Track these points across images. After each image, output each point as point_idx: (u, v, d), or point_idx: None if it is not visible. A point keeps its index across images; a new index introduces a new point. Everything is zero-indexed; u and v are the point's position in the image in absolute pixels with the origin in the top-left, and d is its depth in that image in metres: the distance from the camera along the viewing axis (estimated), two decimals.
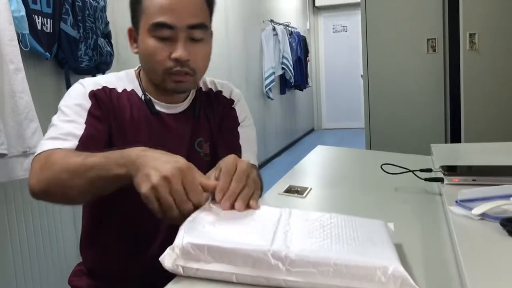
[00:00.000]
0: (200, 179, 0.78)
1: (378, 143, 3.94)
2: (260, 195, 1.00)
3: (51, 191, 0.90)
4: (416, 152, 1.56)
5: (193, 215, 0.76)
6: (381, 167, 1.18)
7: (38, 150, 0.95)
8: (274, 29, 6.18)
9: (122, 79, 1.12)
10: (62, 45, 2.35)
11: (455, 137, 3.73)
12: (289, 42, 6.62)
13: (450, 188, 1.04)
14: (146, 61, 1.06)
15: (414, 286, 0.60)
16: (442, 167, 1.12)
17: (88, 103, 1.03)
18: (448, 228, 0.87)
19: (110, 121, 1.05)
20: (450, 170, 1.10)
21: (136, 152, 0.81)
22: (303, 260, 0.64)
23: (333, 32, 8.70)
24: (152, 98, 1.10)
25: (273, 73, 6.06)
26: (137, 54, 1.09)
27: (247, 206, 0.79)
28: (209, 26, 1.07)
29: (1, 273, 2.19)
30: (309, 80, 7.73)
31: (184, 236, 0.69)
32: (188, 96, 1.15)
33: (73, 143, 0.96)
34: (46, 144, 0.95)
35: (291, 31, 6.96)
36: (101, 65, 2.57)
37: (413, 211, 1.01)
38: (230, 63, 4.93)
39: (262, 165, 5.75)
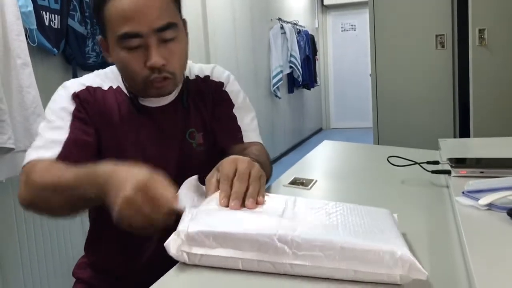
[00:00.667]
0: (161, 192, 0.75)
1: (386, 140, 3.92)
2: (268, 181, 1.00)
3: (36, 206, 0.94)
4: (425, 149, 1.54)
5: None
6: (387, 160, 1.17)
7: (24, 161, 0.96)
8: (282, 27, 6.17)
9: (107, 76, 1.10)
10: (70, 41, 2.36)
11: (464, 135, 3.70)
12: (297, 40, 6.60)
13: (457, 180, 1.03)
14: (122, 72, 1.04)
15: (422, 270, 0.60)
16: (450, 159, 1.11)
17: (71, 106, 1.02)
18: (454, 219, 0.86)
19: (97, 122, 1.04)
20: (458, 162, 1.09)
21: (102, 172, 0.79)
22: (309, 243, 0.63)
23: (342, 31, 8.67)
24: (137, 94, 1.08)
25: (281, 71, 6.05)
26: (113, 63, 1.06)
27: (256, 203, 0.77)
28: (179, 22, 1.02)
29: (9, 264, 2.20)
30: (317, 79, 7.70)
31: (189, 222, 0.68)
32: None
33: (56, 150, 0.95)
34: (30, 155, 0.96)
35: (299, 29, 6.94)
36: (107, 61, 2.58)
37: (419, 203, 1.00)
38: (238, 62, 4.93)
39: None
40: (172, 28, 0.98)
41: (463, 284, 0.63)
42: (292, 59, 6.39)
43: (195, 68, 1.18)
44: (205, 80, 1.16)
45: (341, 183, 1.24)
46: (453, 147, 1.50)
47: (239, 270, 0.66)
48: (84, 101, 1.03)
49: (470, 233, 0.72)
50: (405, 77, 3.88)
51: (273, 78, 5.92)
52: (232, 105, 1.16)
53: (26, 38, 2.08)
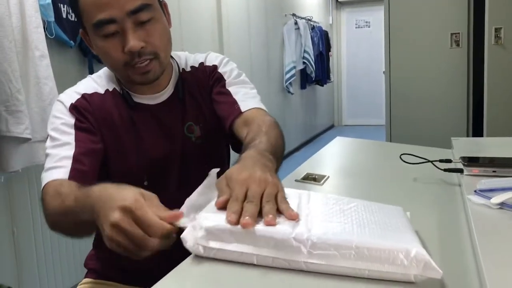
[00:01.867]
0: (151, 216, 0.69)
1: (398, 138, 3.90)
2: (277, 168, 0.96)
3: (59, 230, 0.94)
4: (437, 147, 1.54)
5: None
6: (400, 157, 1.17)
7: (42, 183, 0.96)
8: (296, 23, 6.15)
9: (102, 79, 1.09)
10: None
11: (477, 134, 3.67)
12: (311, 36, 6.58)
13: (470, 179, 1.03)
14: (105, 62, 1.03)
15: (437, 269, 0.60)
16: (462, 158, 1.11)
17: (71, 119, 1.01)
18: (466, 218, 0.86)
19: (99, 127, 1.03)
20: (470, 161, 1.09)
21: (92, 195, 0.77)
22: (324, 242, 0.63)
23: (356, 27, 8.62)
24: (133, 93, 1.07)
25: (294, 67, 6.04)
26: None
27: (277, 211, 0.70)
28: (154, 2, 0.99)
29: (24, 253, 2.24)
30: (330, 76, 7.68)
31: (207, 216, 0.69)
32: (170, 80, 1.11)
33: (67, 168, 0.95)
34: (44, 178, 0.96)
35: (313, 25, 6.92)
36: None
37: (431, 201, 1.00)
38: (251, 57, 4.93)
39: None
40: (147, 9, 0.95)
41: (474, 282, 0.63)
42: (306, 55, 6.38)
43: (190, 59, 1.17)
44: (201, 68, 1.15)
45: (353, 180, 1.25)
46: (465, 146, 1.50)
47: (253, 264, 0.67)
48: (83, 110, 1.03)
49: (481, 232, 0.73)
50: (419, 75, 3.85)
51: (286, 74, 5.92)
52: (224, 81, 1.13)
53: (44, 30, 2.11)
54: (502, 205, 0.81)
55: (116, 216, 0.68)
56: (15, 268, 2.20)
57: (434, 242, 0.76)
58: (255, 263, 0.67)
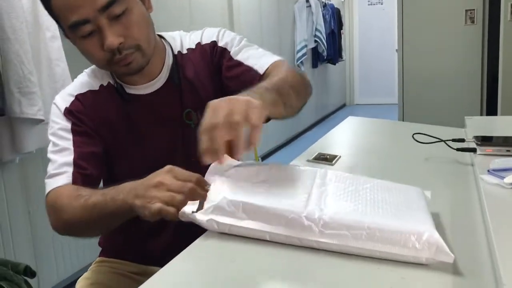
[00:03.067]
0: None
1: (411, 117, 3.87)
2: (308, 94, 0.99)
3: (72, 234, 1.00)
4: (450, 126, 1.52)
5: (229, 170, 0.76)
6: (412, 136, 1.16)
7: (46, 190, 0.98)
8: (307, 0, 6.07)
9: (95, 74, 1.06)
10: None
11: (491, 113, 3.62)
12: (323, 14, 6.49)
13: (483, 159, 1.02)
14: (89, 61, 1.00)
15: (449, 253, 0.60)
16: (476, 137, 1.10)
17: (68, 123, 1.00)
18: (478, 197, 0.86)
19: (98, 128, 1.02)
20: (484, 140, 1.08)
21: (127, 184, 0.83)
22: (336, 222, 0.64)
23: (368, 4, 8.47)
24: (127, 84, 1.04)
25: (306, 45, 5.98)
26: None
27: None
28: None
29: (40, 235, 2.28)
30: (342, 54, 7.59)
31: (220, 192, 0.70)
32: (163, 66, 1.06)
33: (69, 173, 0.96)
34: (48, 185, 0.97)
35: (325, 3, 6.82)
36: None
37: (443, 180, 1.00)
38: (262, 35, 4.89)
39: (293, 138, 5.74)
40: (118, 2, 0.90)
41: (486, 262, 0.63)
42: (317, 33, 6.30)
43: (186, 39, 1.11)
44: (198, 49, 1.09)
45: (365, 159, 1.24)
46: (479, 125, 1.48)
47: (266, 241, 0.68)
48: (78, 113, 1.01)
49: (494, 212, 0.73)
50: (432, 53, 3.80)
51: (297, 53, 5.87)
52: (229, 53, 1.07)
53: None
54: None
55: (158, 177, 0.77)
56: (31, 248, 2.25)
57: (446, 222, 0.76)
58: (268, 239, 0.67)
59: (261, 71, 1.02)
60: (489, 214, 0.72)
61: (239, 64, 1.05)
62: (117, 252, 1.18)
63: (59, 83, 2.10)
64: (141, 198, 0.77)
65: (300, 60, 5.88)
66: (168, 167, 0.80)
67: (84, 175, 0.97)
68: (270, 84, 0.88)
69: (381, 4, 8.35)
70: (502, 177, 0.83)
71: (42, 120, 2.00)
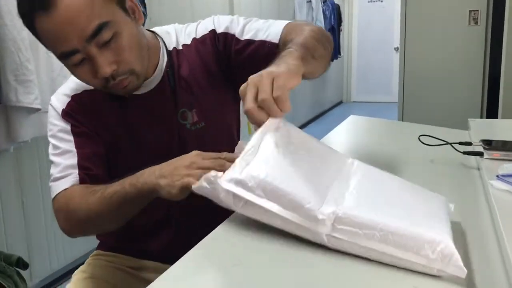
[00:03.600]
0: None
1: (410, 116, 3.86)
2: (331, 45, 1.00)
3: (87, 232, 1.02)
4: (449, 127, 1.51)
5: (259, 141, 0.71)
6: (418, 138, 1.14)
7: (52, 194, 0.97)
8: None
9: None
10: None
11: (491, 115, 3.62)
12: (323, 10, 6.47)
13: (490, 163, 1.01)
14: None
15: (462, 268, 0.57)
16: (483, 141, 1.08)
17: (67, 125, 0.99)
18: (487, 203, 0.85)
19: (96, 129, 1.01)
20: (491, 144, 1.06)
21: (149, 169, 0.84)
22: (350, 218, 0.62)
23: (369, 2, 8.46)
24: None
25: None
26: None
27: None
28: (111, 16, 0.87)
29: (33, 225, 2.25)
30: (340, 51, 7.57)
31: (246, 166, 0.67)
32: (157, 65, 1.02)
33: (75, 175, 0.96)
34: (54, 188, 0.97)
35: None
36: None
37: (449, 184, 0.98)
38: None
39: None
40: (105, 28, 0.86)
41: (498, 268, 0.61)
42: None
43: (181, 34, 1.07)
44: (193, 45, 1.05)
45: (369, 161, 1.21)
46: (482, 127, 1.47)
47: (273, 243, 0.66)
48: (75, 114, 1.00)
49: (506, 219, 0.71)
50: (434, 53, 3.78)
51: None
52: (234, 36, 1.02)
53: None
54: None
55: (189, 159, 0.80)
56: (24, 238, 2.22)
57: (453, 226, 0.74)
58: (279, 226, 0.66)
59: (276, 41, 0.99)
60: (501, 221, 0.70)
61: (249, 42, 1.01)
62: (115, 246, 1.16)
63: (56, 72, 2.07)
64: (168, 177, 0.79)
65: None
66: (196, 151, 0.82)
67: (90, 175, 0.97)
68: (293, 45, 0.87)
69: (381, 1, 8.33)
70: None
71: (38, 109, 1.97)
